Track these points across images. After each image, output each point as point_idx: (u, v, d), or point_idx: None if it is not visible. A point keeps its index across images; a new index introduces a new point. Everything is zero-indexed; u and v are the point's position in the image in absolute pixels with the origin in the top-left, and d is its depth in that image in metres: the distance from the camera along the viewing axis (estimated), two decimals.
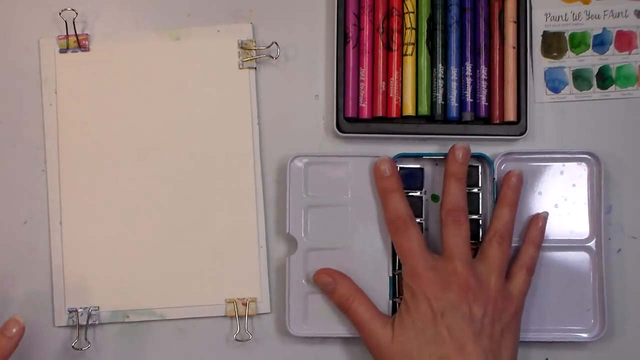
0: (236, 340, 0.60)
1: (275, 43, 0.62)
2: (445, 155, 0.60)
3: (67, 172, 0.61)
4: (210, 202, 0.61)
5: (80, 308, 0.59)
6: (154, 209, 0.60)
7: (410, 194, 0.61)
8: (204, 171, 0.61)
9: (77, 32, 0.61)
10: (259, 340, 0.61)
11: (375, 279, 0.60)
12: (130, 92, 0.61)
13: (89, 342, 0.59)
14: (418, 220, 0.61)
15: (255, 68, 0.62)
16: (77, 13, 0.61)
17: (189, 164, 0.61)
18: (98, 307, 0.59)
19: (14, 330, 0.53)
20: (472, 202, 0.61)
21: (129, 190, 0.61)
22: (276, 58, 0.62)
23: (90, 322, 0.59)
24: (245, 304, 0.59)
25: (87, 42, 0.61)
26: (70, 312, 0.59)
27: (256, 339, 0.61)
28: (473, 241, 0.61)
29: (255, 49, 0.62)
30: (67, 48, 0.61)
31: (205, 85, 0.61)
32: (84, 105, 0.61)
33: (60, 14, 0.61)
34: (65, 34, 0.61)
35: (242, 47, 0.62)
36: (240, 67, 0.61)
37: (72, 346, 0.59)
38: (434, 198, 0.62)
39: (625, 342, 0.62)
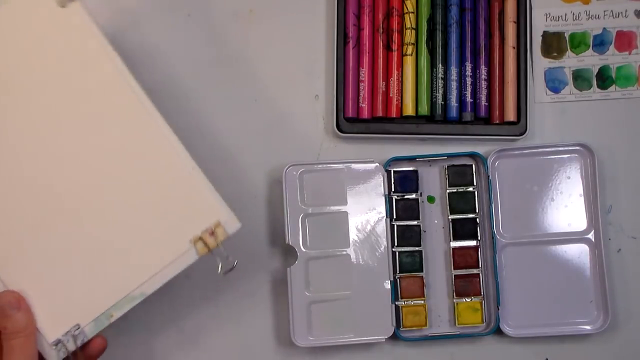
0: (225, 274, 0.53)
1: None
2: (439, 155, 0.61)
3: None
4: (121, 160, 0.54)
5: (62, 336, 0.52)
6: (70, 193, 0.53)
7: (407, 196, 0.61)
8: (97, 134, 0.54)
9: None
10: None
11: (375, 285, 0.60)
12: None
13: None
14: (415, 222, 0.61)
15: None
16: None
17: (80, 133, 0.53)
18: (78, 325, 0.53)
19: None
20: (468, 201, 0.61)
21: (37, 180, 0.53)
22: None
23: (79, 343, 0.53)
24: (212, 233, 0.52)
25: None
26: (56, 345, 0.52)
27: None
28: (473, 241, 0.61)
29: None
30: None
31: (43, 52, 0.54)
32: None
33: None
34: None
35: None
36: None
37: None
38: (430, 199, 0.62)
39: (630, 333, 0.62)
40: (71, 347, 0.52)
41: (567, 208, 0.62)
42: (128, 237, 0.53)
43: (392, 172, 0.61)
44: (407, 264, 0.61)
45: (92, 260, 0.53)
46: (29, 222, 0.52)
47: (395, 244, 0.61)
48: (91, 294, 0.53)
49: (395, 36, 0.62)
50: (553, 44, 0.64)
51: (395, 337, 0.60)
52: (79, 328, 0.53)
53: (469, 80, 0.62)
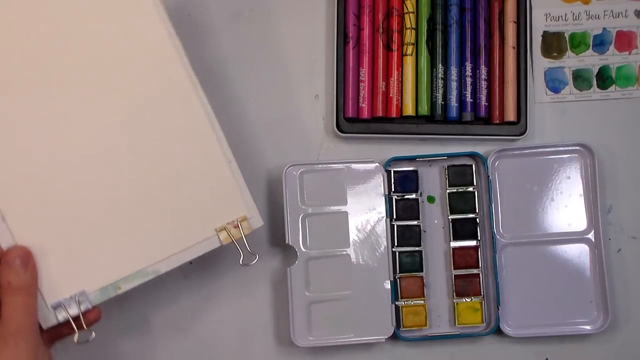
0: (243, 264, 0.54)
1: None
2: (439, 155, 0.61)
3: None
4: (160, 139, 0.53)
5: (65, 299, 0.51)
6: (103, 162, 0.53)
7: (407, 196, 0.61)
8: (143, 111, 0.53)
9: None
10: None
11: (375, 285, 0.60)
12: (43, 35, 0.52)
13: (91, 331, 0.51)
14: (415, 222, 0.61)
15: None
16: None
17: (124, 108, 0.53)
18: (84, 291, 0.51)
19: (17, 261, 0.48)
20: (468, 201, 0.61)
21: (70, 148, 0.52)
22: None
23: (83, 309, 0.51)
24: (237, 226, 0.54)
25: None
26: (55, 308, 0.50)
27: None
28: (473, 241, 0.61)
29: None
30: None
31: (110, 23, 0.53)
32: None
33: None
34: None
35: None
36: None
37: (76, 341, 0.51)
38: (430, 199, 0.62)
39: (630, 333, 0.62)
40: (74, 311, 0.51)
41: (567, 208, 0.62)
42: (153, 213, 0.53)
43: (392, 172, 0.61)
44: (407, 264, 0.61)
45: (111, 228, 0.52)
46: (52, 179, 0.51)
47: (395, 244, 0.61)
48: (102, 263, 0.52)
49: (395, 36, 0.62)
50: (553, 44, 0.64)
51: (395, 337, 0.60)
52: (84, 294, 0.51)
53: (469, 80, 0.62)
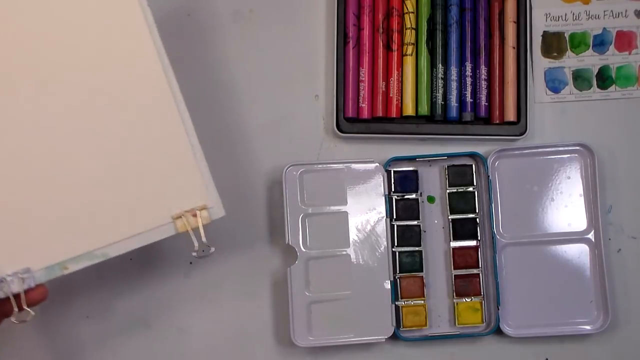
0: (198, 256, 0.52)
1: None
2: (439, 155, 0.61)
3: None
4: (120, 117, 0.51)
5: (7, 275, 0.49)
6: (58, 139, 0.51)
7: (407, 196, 0.61)
8: (104, 89, 0.51)
9: None
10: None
11: (375, 285, 0.60)
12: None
13: (29, 311, 0.49)
14: (415, 222, 0.61)
15: None
16: None
17: (84, 86, 0.51)
18: (29, 268, 0.49)
19: None
20: (468, 201, 0.61)
21: (23, 125, 0.50)
22: None
23: (26, 286, 0.49)
24: (195, 215, 0.51)
25: None
26: None
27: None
28: (473, 241, 0.61)
29: None
30: None
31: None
32: None
33: None
34: None
35: None
36: None
37: (13, 321, 0.49)
38: (430, 199, 0.62)
39: (630, 333, 0.62)
40: (16, 288, 0.49)
41: (567, 208, 0.62)
42: (107, 195, 0.51)
43: (392, 172, 0.61)
44: (407, 264, 0.61)
45: (61, 207, 0.50)
46: (1, 153, 0.49)
47: (395, 244, 0.61)
48: (50, 241, 0.50)
49: (395, 36, 0.62)
50: (553, 44, 0.64)
51: (395, 337, 0.60)
52: (28, 272, 0.50)
53: (469, 80, 0.62)
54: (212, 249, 0.52)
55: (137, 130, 0.51)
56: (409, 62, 0.62)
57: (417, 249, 0.61)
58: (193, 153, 0.52)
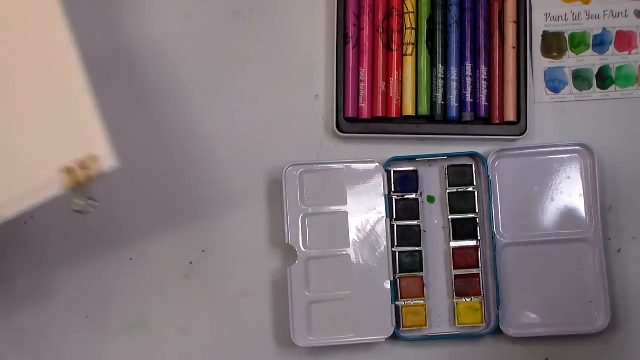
0: (76, 212, 0.47)
1: None
2: (439, 155, 0.61)
3: None
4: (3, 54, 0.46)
5: None
6: None
7: (407, 196, 0.61)
8: None
9: None
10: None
11: (375, 285, 0.60)
12: None
13: None
14: (415, 222, 0.61)
15: None
16: None
17: None
18: None
19: None
20: (468, 201, 0.61)
21: None
22: None
23: None
24: (83, 166, 0.45)
25: None
26: None
27: None
28: (473, 241, 0.61)
29: None
30: None
31: None
32: None
33: None
34: None
35: None
36: None
37: None
38: (430, 199, 0.62)
39: (630, 333, 0.62)
40: None
41: (567, 208, 0.62)
42: None
43: (392, 172, 0.61)
44: (407, 264, 0.61)
45: None
46: None
47: (395, 244, 0.61)
48: None
49: (395, 36, 0.62)
50: (553, 44, 0.64)
51: (395, 337, 0.60)
52: None
53: (469, 80, 0.62)
54: (98, 204, 0.47)
55: (22, 68, 0.46)
56: (409, 62, 0.62)
57: (417, 249, 0.61)
58: (79, 96, 0.46)
